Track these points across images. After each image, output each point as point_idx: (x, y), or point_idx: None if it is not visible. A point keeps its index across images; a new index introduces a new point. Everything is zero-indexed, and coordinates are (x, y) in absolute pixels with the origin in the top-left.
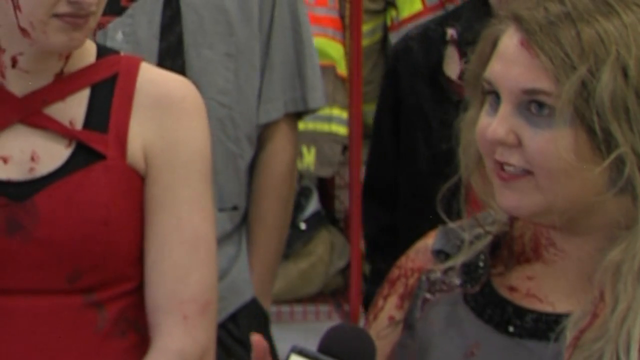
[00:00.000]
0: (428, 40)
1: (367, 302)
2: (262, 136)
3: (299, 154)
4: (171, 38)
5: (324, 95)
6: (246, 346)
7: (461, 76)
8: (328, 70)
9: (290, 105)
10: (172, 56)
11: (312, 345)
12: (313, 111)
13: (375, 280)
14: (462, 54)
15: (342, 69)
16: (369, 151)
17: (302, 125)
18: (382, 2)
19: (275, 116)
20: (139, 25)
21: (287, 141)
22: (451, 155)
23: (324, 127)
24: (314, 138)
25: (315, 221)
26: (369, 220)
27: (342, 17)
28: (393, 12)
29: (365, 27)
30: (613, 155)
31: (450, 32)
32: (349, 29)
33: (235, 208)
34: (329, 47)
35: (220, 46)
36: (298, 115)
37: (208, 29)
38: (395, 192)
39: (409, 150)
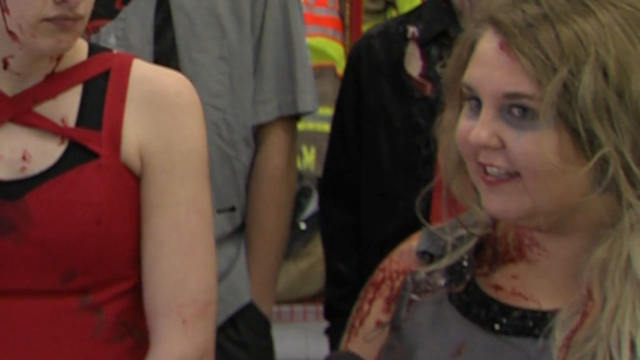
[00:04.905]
0: (389, 38)
1: (328, 306)
2: (256, 139)
3: (298, 155)
4: (164, 42)
5: (314, 98)
6: (247, 350)
7: (423, 74)
8: (328, 70)
9: (284, 108)
10: (165, 60)
11: (312, 345)
12: (304, 114)
13: (333, 283)
14: (424, 52)
15: (342, 69)
16: (328, 150)
17: (302, 125)
18: (382, 2)
19: (266, 118)
20: (131, 29)
21: (281, 144)
22: (413, 152)
23: (324, 127)
24: (314, 138)
25: (315, 221)
26: (328, 220)
27: (342, 17)
28: (393, 12)
29: (365, 27)
30: (597, 156)
31: (412, 29)
32: (349, 29)
33: (233, 209)
34: (329, 47)
35: (213, 49)
36: (295, 118)
37: (200, 32)
38: (356, 192)
39: (371, 148)
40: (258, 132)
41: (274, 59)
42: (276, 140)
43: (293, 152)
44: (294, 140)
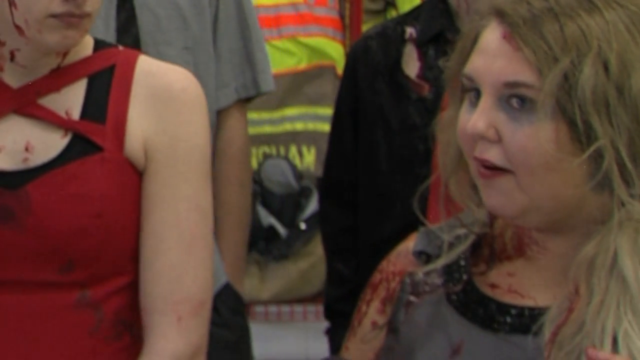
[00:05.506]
0: (387, 39)
1: (328, 306)
2: (216, 123)
3: (297, 155)
4: (128, 40)
5: (272, 78)
6: (229, 329)
7: (420, 74)
8: (328, 70)
9: (241, 91)
10: None
11: (312, 345)
12: (264, 94)
13: (333, 283)
14: (421, 53)
15: (342, 69)
16: (327, 151)
17: (301, 125)
18: (382, 2)
19: (226, 103)
20: (95, 30)
21: (240, 127)
22: (411, 153)
23: (324, 127)
24: (314, 138)
25: (315, 221)
26: (328, 221)
27: (342, 17)
28: (393, 12)
29: (365, 27)
30: (592, 148)
31: (410, 30)
32: (349, 29)
33: None
34: (329, 47)
35: (178, 41)
36: (247, 100)
37: (164, 26)
38: (355, 193)
39: (369, 150)
40: (217, 116)
41: (228, 44)
42: (235, 124)
43: (248, 133)
44: (247, 122)
